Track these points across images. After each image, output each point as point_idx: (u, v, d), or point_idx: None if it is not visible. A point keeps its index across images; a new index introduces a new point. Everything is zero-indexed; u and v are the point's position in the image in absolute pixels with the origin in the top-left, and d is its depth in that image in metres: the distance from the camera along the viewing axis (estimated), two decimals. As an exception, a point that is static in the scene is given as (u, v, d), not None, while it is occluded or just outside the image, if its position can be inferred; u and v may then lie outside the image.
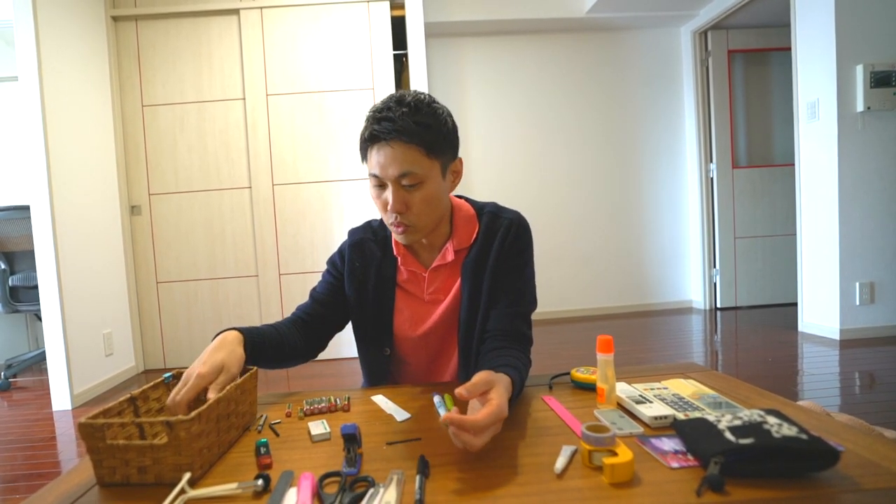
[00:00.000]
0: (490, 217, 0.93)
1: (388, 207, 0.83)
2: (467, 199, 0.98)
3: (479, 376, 0.65)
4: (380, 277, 0.95)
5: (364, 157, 0.86)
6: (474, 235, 0.92)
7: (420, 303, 0.95)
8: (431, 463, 0.59)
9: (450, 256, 0.91)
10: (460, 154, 0.90)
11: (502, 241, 0.91)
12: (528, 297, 0.92)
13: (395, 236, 0.90)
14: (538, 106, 3.76)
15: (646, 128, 3.84)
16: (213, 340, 0.78)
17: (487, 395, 0.63)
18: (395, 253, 0.94)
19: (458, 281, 0.93)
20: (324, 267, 1.02)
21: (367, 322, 0.96)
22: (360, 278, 0.95)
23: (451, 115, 0.87)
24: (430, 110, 0.82)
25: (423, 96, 0.83)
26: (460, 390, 0.60)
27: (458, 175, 0.91)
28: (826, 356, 2.50)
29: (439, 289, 0.94)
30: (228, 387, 0.67)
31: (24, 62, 2.30)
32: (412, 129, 0.79)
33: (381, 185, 0.84)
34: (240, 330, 0.81)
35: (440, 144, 0.83)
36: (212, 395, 0.68)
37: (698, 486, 0.50)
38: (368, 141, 0.82)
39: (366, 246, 0.97)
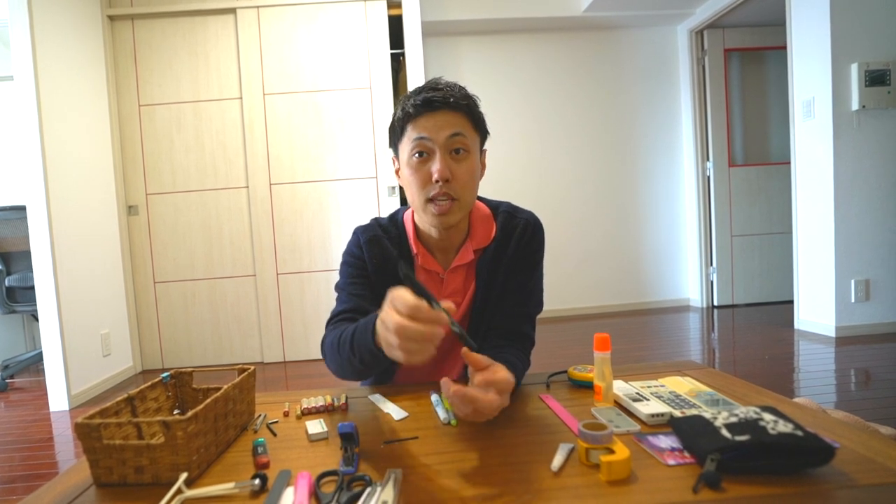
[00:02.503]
0: (506, 217, 0.92)
1: (434, 176, 0.80)
2: (480, 198, 0.96)
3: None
4: (398, 278, 0.91)
5: (401, 134, 0.85)
6: (492, 235, 0.91)
7: None
8: (430, 462, 0.59)
9: (469, 256, 0.90)
10: None
11: (518, 241, 0.90)
12: (536, 299, 0.92)
13: (433, 219, 0.84)
14: (535, 105, 3.76)
15: (643, 126, 3.85)
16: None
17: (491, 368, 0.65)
18: (413, 252, 0.91)
19: (474, 284, 0.91)
20: (322, 266, 1.01)
21: None
22: (379, 276, 0.90)
23: None
24: (468, 92, 0.87)
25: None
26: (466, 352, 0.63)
27: (483, 167, 0.91)
28: (822, 353, 2.51)
29: (456, 290, 0.92)
30: (226, 387, 0.67)
31: (20, 62, 2.29)
32: (463, 97, 0.83)
33: (423, 156, 0.82)
34: None
35: (481, 121, 0.87)
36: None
37: (695, 483, 0.50)
38: (420, 106, 0.81)
39: (381, 243, 0.91)
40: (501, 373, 0.63)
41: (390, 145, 0.90)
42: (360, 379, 0.84)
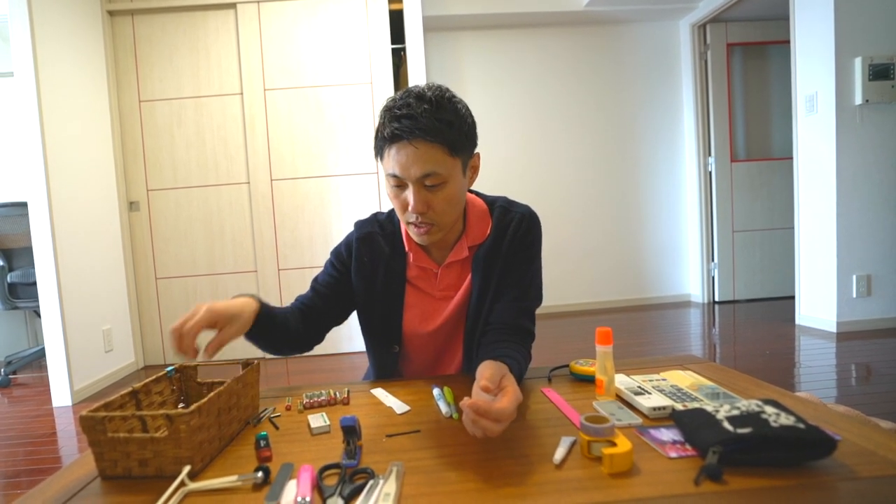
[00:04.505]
0: (501, 211, 0.92)
1: (410, 208, 0.80)
2: (478, 194, 0.96)
3: (491, 369, 0.68)
4: (389, 273, 0.92)
5: (380, 154, 0.82)
6: (488, 231, 0.91)
7: (430, 299, 0.93)
8: (432, 455, 0.60)
9: (464, 253, 0.90)
10: None
11: (513, 234, 0.90)
12: (534, 292, 0.91)
13: (415, 237, 0.86)
14: (537, 100, 3.75)
15: (644, 121, 3.84)
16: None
17: (501, 383, 0.65)
18: (406, 249, 0.92)
19: (470, 276, 0.91)
20: (323, 262, 1.01)
21: (376, 318, 0.94)
22: (369, 274, 0.92)
23: (469, 110, 0.83)
24: (452, 106, 0.79)
25: (443, 91, 0.80)
26: (486, 384, 0.62)
27: (476, 170, 0.89)
28: (823, 349, 2.51)
29: (451, 285, 0.92)
30: (229, 381, 0.68)
31: (20, 58, 2.28)
32: (435, 127, 0.75)
33: (400, 185, 0.81)
34: (257, 298, 0.83)
35: (462, 142, 0.80)
36: (208, 352, 0.71)
37: (696, 475, 0.51)
38: (388, 139, 0.78)
39: (374, 240, 0.93)
40: (502, 402, 0.60)
41: (376, 156, 0.87)
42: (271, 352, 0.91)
